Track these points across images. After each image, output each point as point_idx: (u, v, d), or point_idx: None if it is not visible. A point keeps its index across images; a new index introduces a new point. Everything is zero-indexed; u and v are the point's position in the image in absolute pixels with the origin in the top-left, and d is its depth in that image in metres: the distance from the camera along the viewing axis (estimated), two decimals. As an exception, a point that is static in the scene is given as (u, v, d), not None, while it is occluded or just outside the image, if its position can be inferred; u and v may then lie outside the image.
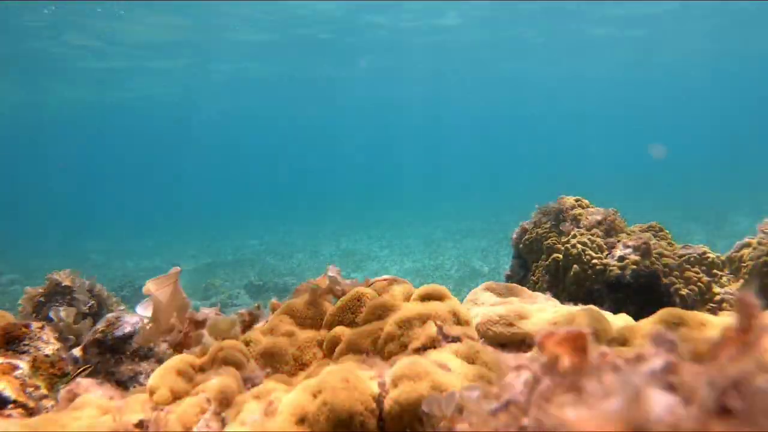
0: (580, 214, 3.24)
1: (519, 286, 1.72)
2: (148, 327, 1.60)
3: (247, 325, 1.67)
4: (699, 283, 2.90)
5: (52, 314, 2.22)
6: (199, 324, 1.62)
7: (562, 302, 1.60)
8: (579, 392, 0.51)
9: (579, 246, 3.03)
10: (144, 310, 1.62)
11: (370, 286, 1.64)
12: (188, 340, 1.60)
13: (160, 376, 1.22)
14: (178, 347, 1.60)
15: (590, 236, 3.07)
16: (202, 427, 1.07)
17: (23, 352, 1.63)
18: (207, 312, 1.66)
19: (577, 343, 0.55)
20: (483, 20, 17.58)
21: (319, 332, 1.50)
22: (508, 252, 3.82)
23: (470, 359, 1.14)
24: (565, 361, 0.55)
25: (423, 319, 1.28)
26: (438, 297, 1.40)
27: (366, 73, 24.57)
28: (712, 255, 3.04)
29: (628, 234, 3.11)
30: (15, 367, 1.54)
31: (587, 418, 0.48)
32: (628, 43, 21.35)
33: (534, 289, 3.02)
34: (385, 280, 1.66)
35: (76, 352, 1.89)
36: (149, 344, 1.72)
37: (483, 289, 1.71)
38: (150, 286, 1.57)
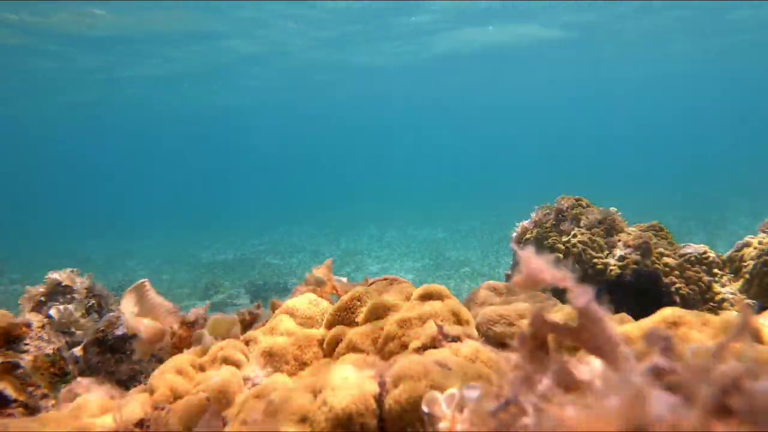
0: (580, 214, 3.24)
1: (519, 286, 1.72)
2: (139, 342, 1.59)
3: (248, 325, 1.68)
4: (700, 283, 2.90)
5: (52, 312, 2.22)
6: (192, 325, 1.62)
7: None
8: (578, 392, 0.51)
9: (579, 245, 3.03)
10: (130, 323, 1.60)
11: (370, 285, 1.64)
12: (183, 342, 1.60)
13: (161, 376, 1.22)
14: (177, 342, 1.60)
15: (591, 236, 3.07)
16: (202, 426, 1.07)
17: (24, 352, 1.63)
18: (196, 312, 1.66)
19: (543, 340, 0.55)
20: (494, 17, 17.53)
21: (319, 331, 1.50)
22: (508, 252, 3.82)
23: (471, 359, 1.14)
24: (538, 357, 0.55)
25: (423, 319, 1.28)
26: (438, 297, 1.40)
27: (364, 73, 24.57)
28: (712, 254, 3.04)
29: (629, 234, 3.11)
30: (16, 367, 1.54)
31: (587, 418, 0.48)
32: (627, 41, 21.35)
33: (534, 289, 3.02)
34: (385, 279, 1.66)
35: (77, 351, 1.89)
36: (147, 357, 1.71)
37: (483, 289, 1.71)
38: (128, 318, 1.55)
